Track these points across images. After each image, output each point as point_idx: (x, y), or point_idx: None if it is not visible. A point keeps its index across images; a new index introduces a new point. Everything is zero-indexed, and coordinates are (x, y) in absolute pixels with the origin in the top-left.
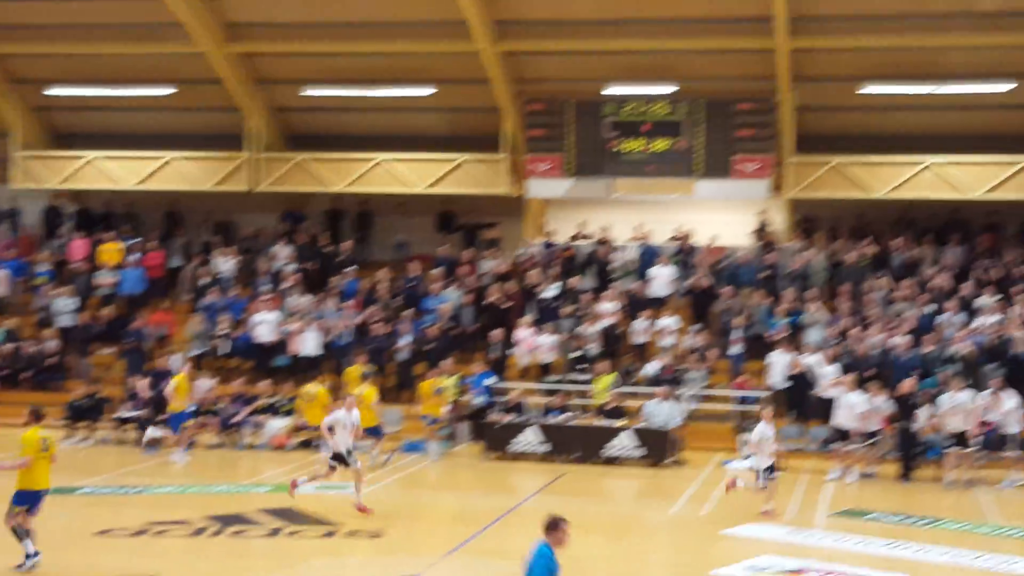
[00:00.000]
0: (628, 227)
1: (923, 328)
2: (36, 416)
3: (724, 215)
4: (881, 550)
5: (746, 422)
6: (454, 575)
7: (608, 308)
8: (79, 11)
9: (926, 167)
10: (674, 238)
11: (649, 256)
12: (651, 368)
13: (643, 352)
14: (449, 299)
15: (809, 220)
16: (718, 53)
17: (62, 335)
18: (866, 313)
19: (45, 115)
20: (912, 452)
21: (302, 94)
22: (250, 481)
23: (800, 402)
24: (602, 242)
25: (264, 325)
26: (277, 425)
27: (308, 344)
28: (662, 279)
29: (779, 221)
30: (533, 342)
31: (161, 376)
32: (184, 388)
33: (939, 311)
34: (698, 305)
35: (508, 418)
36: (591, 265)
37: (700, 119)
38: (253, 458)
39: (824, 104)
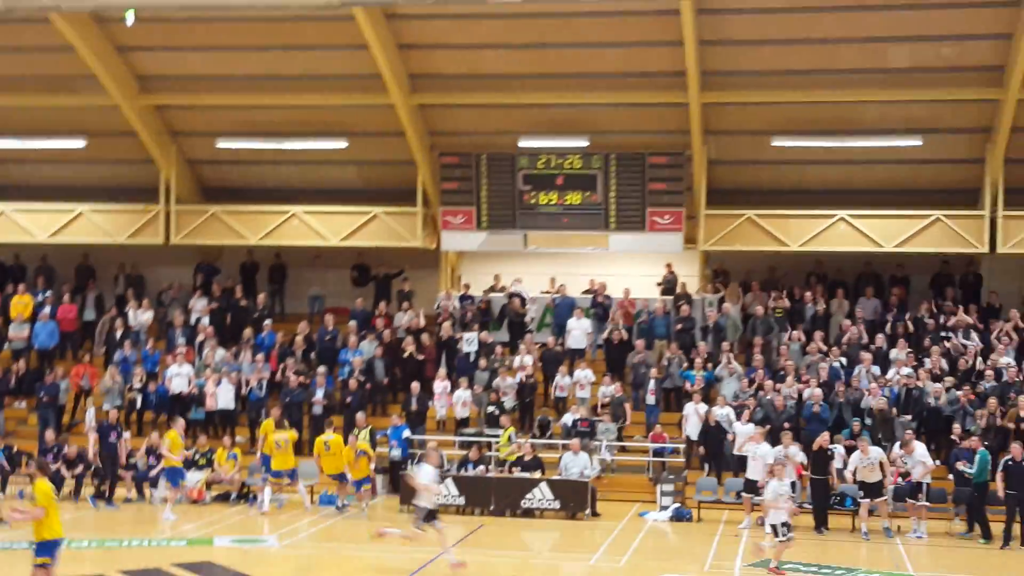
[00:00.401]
0: (543, 280)
1: (836, 380)
2: (42, 468)
3: (639, 268)
4: None
5: (662, 474)
6: None
7: (524, 361)
8: None
9: (838, 220)
10: (589, 291)
11: (564, 309)
12: (567, 420)
13: (559, 404)
14: (364, 352)
15: (722, 273)
16: (631, 107)
17: None
18: (779, 365)
19: None
20: (826, 503)
21: (216, 146)
22: (166, 535)
23: (715, 454)
24: (516, 295)
25: (178, 378)
26: (193, 478)
27: (223, 397)
28: (577, 332)
29: (692, 273)
30: (449, 395)
31: (108, 430)
32: (178, 443)
33: (852, 363)
34: (613, 358)
35: None
36: (505, 318)
37: (613, 172)
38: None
39: (736, 158)
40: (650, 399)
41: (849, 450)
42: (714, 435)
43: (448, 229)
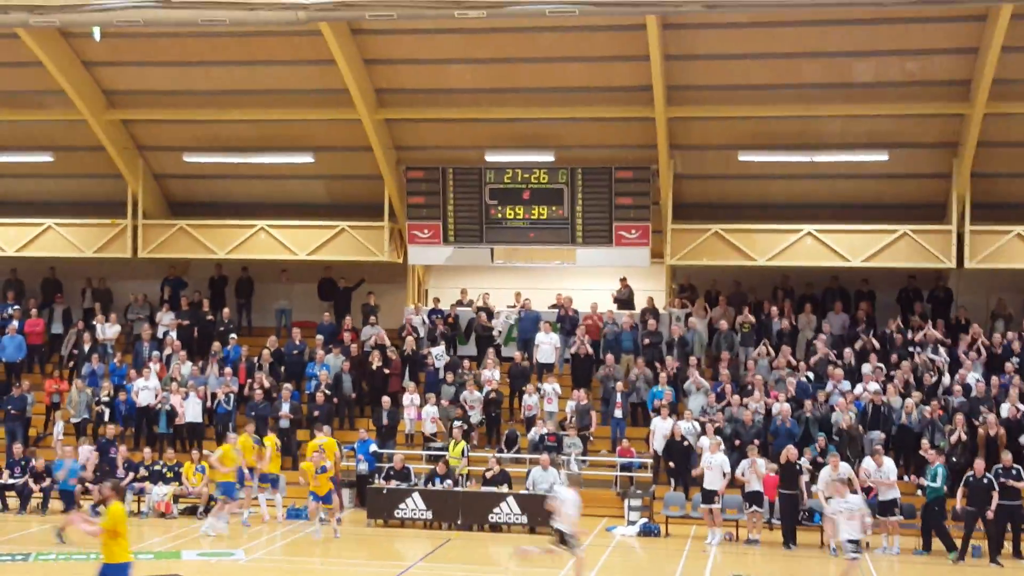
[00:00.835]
0: (510, 294)
1: (804, 395)
2: (117, 490)
3: (606, 282)
4: None
5: (630, 488)
6: None
7: (491, 375)
8: None
9: (805, 235)
10: (556, 305)
11: (529, 323)
12: (534, 435)
13: (526, 420)
14: (330, 366)
15: (689, 287)
16: (597, 121)
17: None
18: (747, 380)
19: None
20: (795, 518)
21: (184, 161)
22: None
23: (682, 469)
24: (483, 309)
25: (145, 392)
26: (161, 492)
27: (190, 411)
28: (546, 346)
29: (659, 288)
30: (418, 409)
31: (108, 446)
32: (230, 457)
33: (820, 378)
34: (580, 372)
35: (392, 485)
36: (473, 332)
37: (580, 187)
38: (136, 525)
39: (702, 172)
40: (617, 413)
41: (817, 466)
42: (681, 450)
43: (415, 243)
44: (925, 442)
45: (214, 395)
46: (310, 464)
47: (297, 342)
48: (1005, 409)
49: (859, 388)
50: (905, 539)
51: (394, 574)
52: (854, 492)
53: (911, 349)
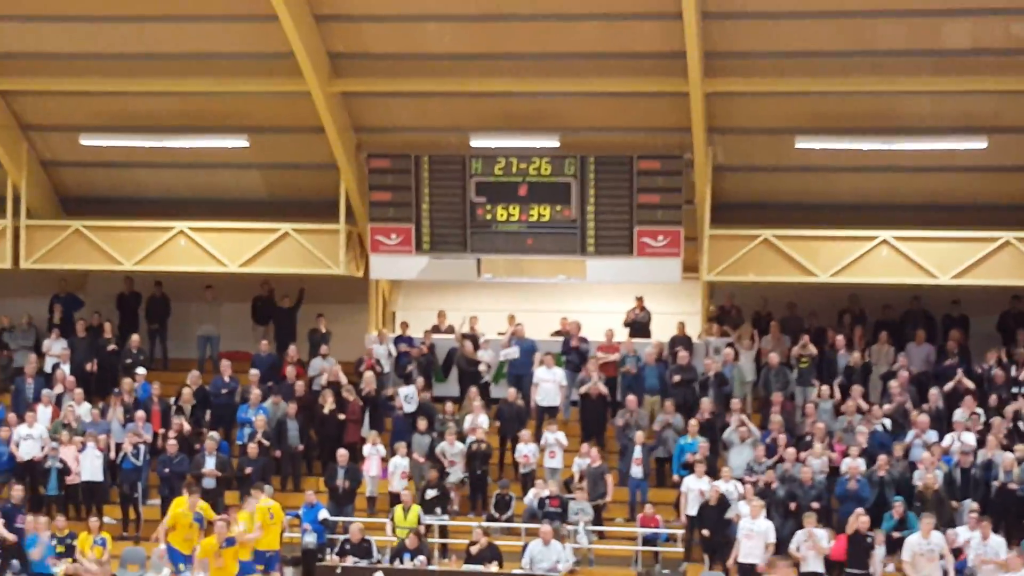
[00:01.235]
0: (501, 318)
1: (877, 449)
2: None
3: (624, 303)
4: None
5: (654, 567)
6: None
7: (477, 422)
8: None
9: (880, 243)
10: (560, 332)
11: (528, 355)
12: (532, 498)
13: (522, 477)
14: (269, 409)
15: (732, 310)
16: (614, 97)
17: None
18: (805, 429)
19: None
20: None
21: (80, 144)
22: None
23: (721, 542)
24: (469, 337)
25: (29, 442)
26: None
27: (87, 467)
28: (548, 385)
29: (694, 311)
30: (382, 464)
31: (14, 513)
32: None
33: (900, 427)
34: (592, 418)
35: (348, 561)
36: (453, 367)
37: (592, 181)
38: None
39: (749, 162)
40: (636, 471)
41: (894, 542)
42: (719, 518)
43: (379, 252)
44: None
45: (119, 446)
46: (212, 541)
47: (226, 378)
48: None
49: (948, 439)
50: None
51: None
52: None
53: (1015, 390)
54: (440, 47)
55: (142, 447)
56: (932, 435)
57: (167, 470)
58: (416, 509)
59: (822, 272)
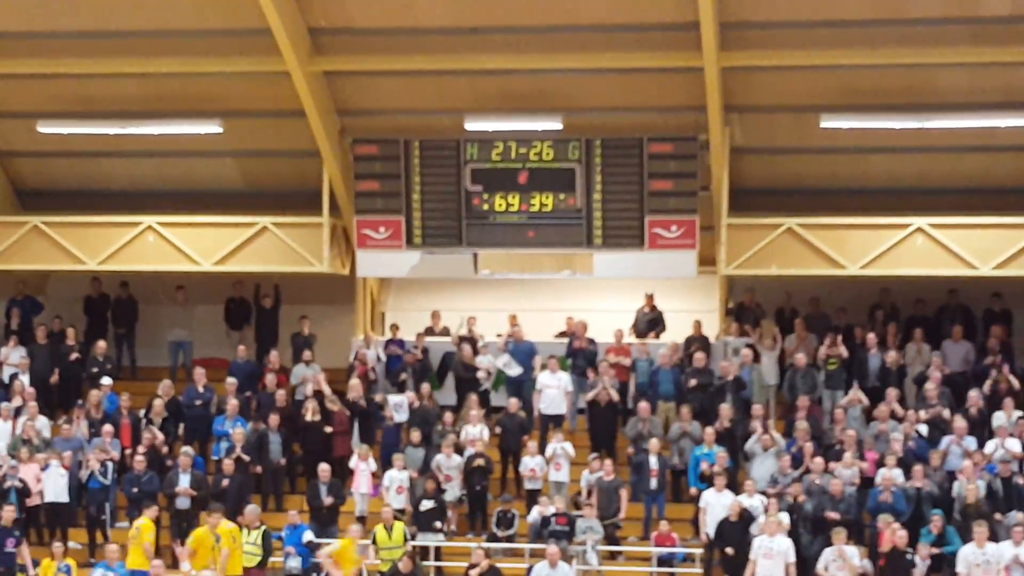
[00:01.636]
0: (501, 318)
1: (915, 458)
2: None
3: (634, 300)
4: None
5: None
6: None
7: (474, 432)
8: None
9: (914, 231)
10: (565, 333)
11: (520, 358)
12: (537, 516)
13: (526, 493)
14: (248, 421)
15: (752, 307)
16: (622, 73)
17: None
18: (834, 437)
19: None
20: None
21: (38, 131)
22: None
23: (744, 561)
24: (467, 339)
25: None
26: None
27: (50, 487)
28: (553, 391)
29: (711, 308)
30: (372, 481)
31: (4, 537)
32: (351, 558)
33: (942, 432)
34: (601, 427)
35: None
36: (449, 372)
37: (598, 166)
38: None
39: (771, 144)
40: (652, 483)
41: (935, 560)
42: (742, 535)
43: (366, 247)
44: None
45: (81, 464)
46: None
47: (200, 388)
48: None
49: (990, 446)
50: None
51: None
52: None
53: None
54: (431, 21)
55: (110, 464)
56: (971, 441)
57: (135, 489)
58: (400, 527)
59: (851, 264)
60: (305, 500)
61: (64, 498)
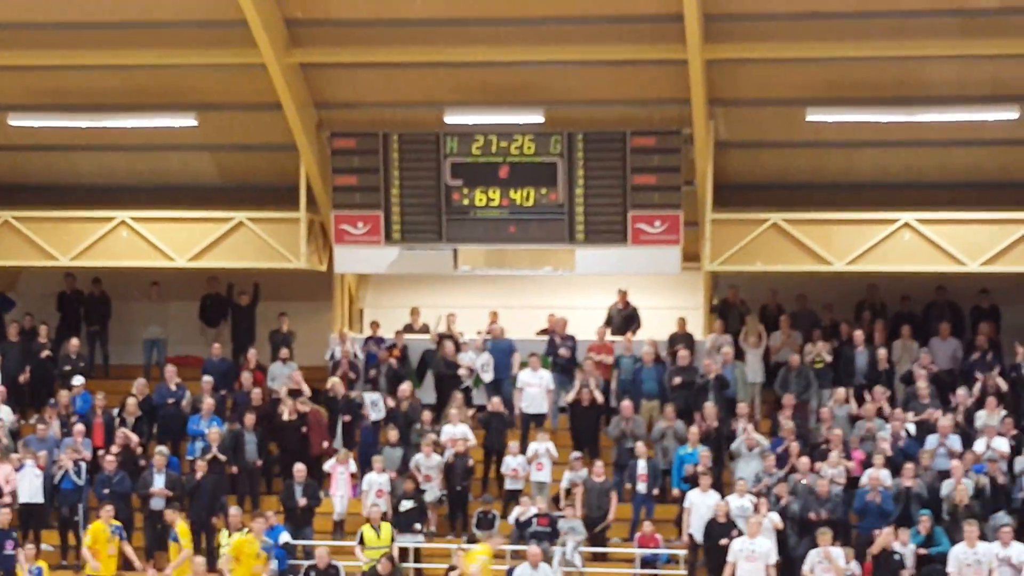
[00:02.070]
0: (481, 314)
1: (903, 457)
2: None
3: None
4: None
5: None
6: None
7: (455, 432)
8: None
9: (901, 227)
10: (546, 331)
11: (500, 356)
12: (518, 516)
13: (507, 493)
14: (223, 421)
15: (736, 304)
16: (605, 66)
17: None
18: (820, 436)
19: None
20: None
21: (8, 124)
22: None
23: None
24: (447, 337)
25: None
26: None
27: (24, 488)
28: (535, 389)
29: (695, 305)
30: (350, 481)
31: (3, 539)
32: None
33: (929, 431)
34: (583, 427)
35: None
36: (428, 370)
37: (580, 160)
38: None
39: (756, 138)
40: (641, 487)
41: (921, 560)
42: (728, 536)
43: (344, 243)
44: None
45: (54, 463)
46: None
47: (172, 386)
48: None
49: (979, 446)
50: None
51: None
52: None
53: None
54: (410, 12)
55: (83, 465)
56: (955, 440)
57: (106, 490)
58: (387, 527)
59: (837, 260)
60: (281, 501)
61: (39, 499)
